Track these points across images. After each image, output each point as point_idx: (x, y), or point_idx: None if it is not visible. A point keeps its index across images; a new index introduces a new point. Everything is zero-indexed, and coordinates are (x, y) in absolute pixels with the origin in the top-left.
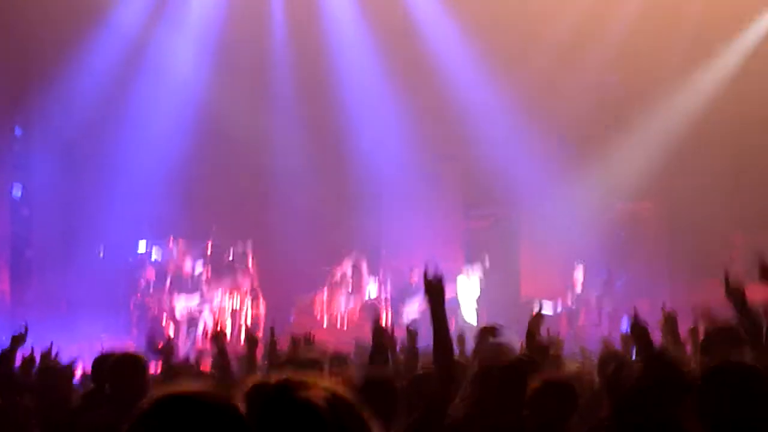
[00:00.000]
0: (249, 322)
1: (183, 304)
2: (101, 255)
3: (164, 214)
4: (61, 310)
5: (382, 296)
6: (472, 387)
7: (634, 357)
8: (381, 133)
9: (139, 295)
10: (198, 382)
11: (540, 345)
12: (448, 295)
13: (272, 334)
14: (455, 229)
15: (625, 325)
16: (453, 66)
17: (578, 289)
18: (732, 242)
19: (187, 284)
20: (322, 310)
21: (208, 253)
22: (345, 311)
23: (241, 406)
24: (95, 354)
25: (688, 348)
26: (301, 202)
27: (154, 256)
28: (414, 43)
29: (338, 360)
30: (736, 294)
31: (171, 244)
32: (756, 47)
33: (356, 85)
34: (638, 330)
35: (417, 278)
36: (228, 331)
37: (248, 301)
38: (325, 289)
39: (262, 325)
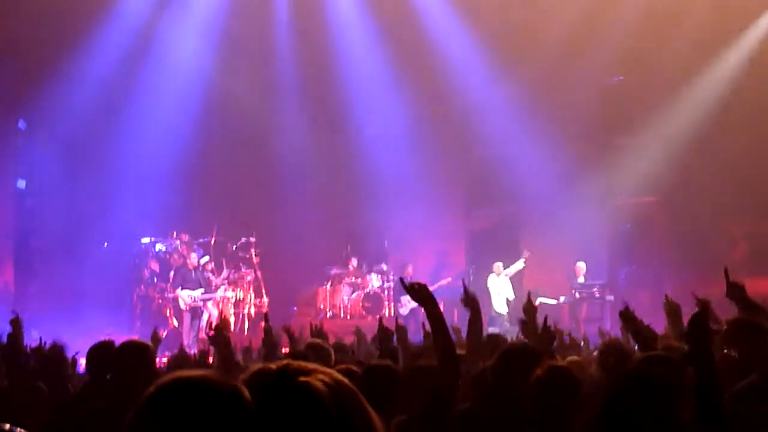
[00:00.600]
0: (252, 314)
1: (186, 296)
2: (106, 246)
3: (168, 207)
4: (65, 301)
5: (384, 288)
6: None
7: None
8: (385, 131)
9: (142, 287)
10: (198, 370)
11: (537, 332)
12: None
13: (267, 320)
14: (458, 226)
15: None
16: (458, 64)
17: (580, 280)
18: (734, 235)
19: (190, 276)
20: (324, 302)
21: (212, 246)
22: (348, 303)
23: (245, 391)
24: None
25: None
26: (305, 196)
27: (157, 248)
28: (419, 40)
29: (340, 349)
30: (736, 291)
31: (175, 236)
32: (760, 46)
33: (361, 82)
34: (626, 316)
35: (411, 273)
36: (231, 323)
37: (251, 293)
38: (328, 281)
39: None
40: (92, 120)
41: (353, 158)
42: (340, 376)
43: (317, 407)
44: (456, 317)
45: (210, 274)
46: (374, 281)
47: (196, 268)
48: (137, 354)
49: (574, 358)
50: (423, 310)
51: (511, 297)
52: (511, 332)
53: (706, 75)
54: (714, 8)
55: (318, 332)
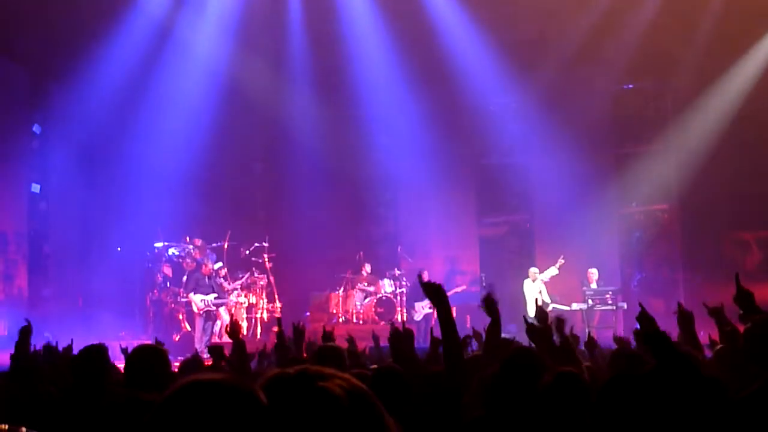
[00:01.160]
0: (265, 319)
1: (199, 300)
2: (119, 251)
3: (182, 211)
4: (78, 305)
5: (397, 294)
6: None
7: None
8: (399, 137)
9: (155, 291)
10: (214, 373)
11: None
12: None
13: (280, 325)
14: (470, 233)
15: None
16: (471, 71)
17: (593, 286)
18: (748, 242)
19: (204, 281)
20: (337, 307)
21: (225, 250)
22: (361, 308)
23: (262, 395)
24: (112, 349)
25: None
26: (318, 201)
27: (170, 253)
28: (433, 48)
29: (353, 354)
30: (745, 297)
31: (188, 241)
32: None
33: (375, 89)
34: (645, 320)
35: (426, 278)
36: (244, 327)
37: (264, 298)
38: (341, 287)
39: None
40: (106, 124)
41: (366, 165)
42: (357, 381)
43: (335, 412)
44: (468, 323)
45: (223, 280)
46: (387, 287)
47: (210, 274)
48: (151, 358)
49: (586, 364)
50: (435, 312)
51: (548, 301)
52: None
53: (720, 83)
54: (729, 16)
55: (328, 337)
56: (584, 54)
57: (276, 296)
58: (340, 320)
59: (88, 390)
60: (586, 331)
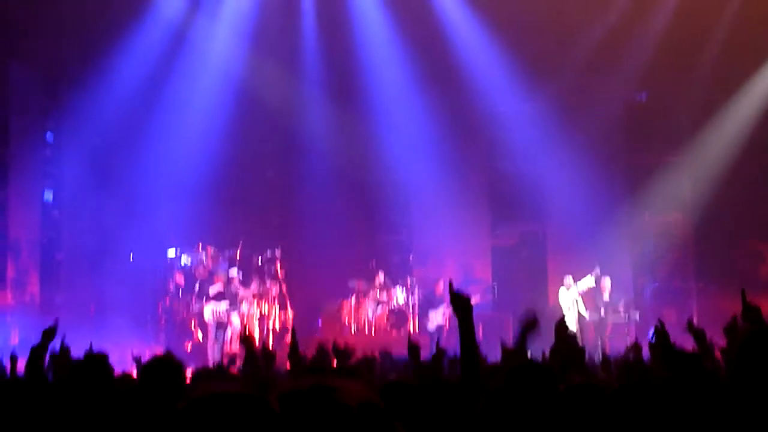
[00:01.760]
0: (277, 328)
1: (211, 309)
2: (131, 259)
3: (194, 220)
4: (90, 313)
5: (410, 303)
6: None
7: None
8: (412, 145)
9: (167, 299)
10: (228, 384)
11: (568, 348)
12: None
13: (294, 335)
14: (483, 242)
15: (652, 335)
16: (485, 80)
17: (605, 297)
18: (761, 252)
19: (216, 289)
20: (349, 316)
21: (237, 259)
22: (373, 317)
23: (276, 407)
24: (124, 357)
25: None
26: (330, 210)
27: (183, 262)
28: (445, 55)
29: (366, 365)
30: (753, 314)
31: (200, 249)
32: None
33: (389, 97)
34: (662, 337)
35: (441, 288)
36: (256, 336)
37: (276, 307)
38: (353, 296)
39: (290, 329)
40: (119, 132)
41: (379, 172)
42: (371, 394)
43: (349, 424)
44: (481, 333)
45: (235, 288)
46: (399, 296)
47: (221, 282)
48: (170, 368)
49: (600, 375)
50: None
51: (584, 312)
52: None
53: (734, 93)
54: (744, 27)
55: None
56: (598, 63)
57: (288, 305)
58: (352, 330)
59: (91, 397)
60: (599, 341)
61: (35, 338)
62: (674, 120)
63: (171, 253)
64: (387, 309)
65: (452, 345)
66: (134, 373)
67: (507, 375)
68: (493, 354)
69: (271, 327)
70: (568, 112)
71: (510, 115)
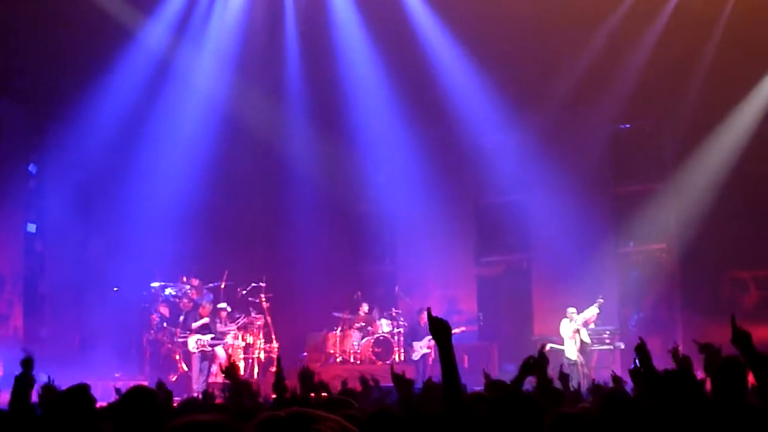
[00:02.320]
0: (262, 359)
1: (196, 340)
2: (115, 291)
3: (179, 252)
4: (74, 345)
5: (395, 334)
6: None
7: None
8: (396, 176)
9: (152, 331)
10: (211, 414)
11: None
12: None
13: (279, 365)
14: (468, 273)
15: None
16: (469, 111)
17: (591, 326)
18: (745, 282)
19: (200, 321)
20: (334, 347)
21: (222, 290)
22: (358, 348)
23: None
24: (108, 390)
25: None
26: (315, 241)
27: (167, 293)
28: (430, 85)
29: (348, 395)
30: (742, 339)
31: (185, 281)
32: None
33: (372, 128)
34: (642, 352)
35: (425, 319)
36: (241, 368)
37: (261, 338)
38: (338, 326)
39: (275, 360)
40: (103, 164)
41: (364, 203)
42: (348, 424)
43: None
44: (466, 363)
45: (219, 321)
46: (384, 326)
47: (207, 315)
48: (145, 398)
49: (585, 405)
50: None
51: (587, 341)
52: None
53: (718, 123)
54: (727, 56)
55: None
56: (582, 93)
57: (273, 336)
58: (338, 360)
59: (73, 427)
60: (583, 371)
61: (19, 371)
62: (658, 149)
63: (155, 284)
64: (372, 339)
65: (437, 374)
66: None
67: (491, 405)
68: (479, 383)
69: (255, 358)
70: (552, 142)
71: (495, 145)
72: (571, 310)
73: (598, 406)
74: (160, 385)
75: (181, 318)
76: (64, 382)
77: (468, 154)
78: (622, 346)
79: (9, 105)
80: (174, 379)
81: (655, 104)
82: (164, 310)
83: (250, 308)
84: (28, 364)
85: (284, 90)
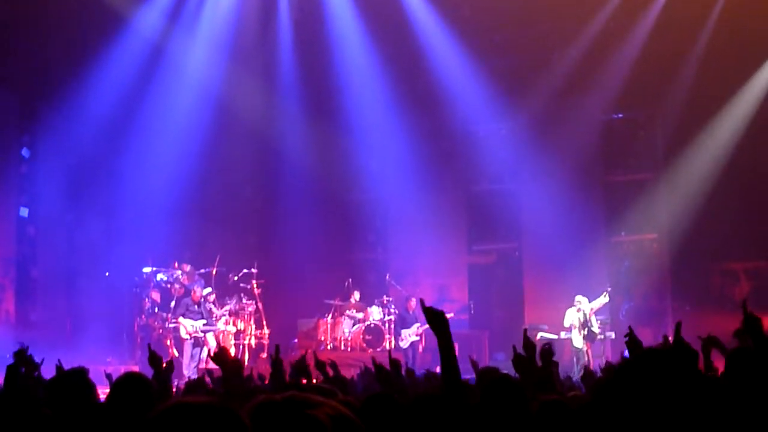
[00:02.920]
0: (253, 345)
1: (188, 326)
2: (107, 276)
3: (171, 237)
4: (66, 330)
5: (386, 321)
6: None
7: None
8: (389, 164)
9: (143, 316)
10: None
11: (535, 368)
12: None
13: (278, 352)
14: (459, 261)
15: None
16: (462, 99)
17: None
18: (736, 272)
19: (192, 307)
20: (325, 334)
21: (214, 276)
22: (349, 335)
23: (248, 420)
24: (99, 375)
25: None
26: (307, 228)
27: (159, 278)
28: (423, 73)
29: (341, 382)
30: (754, 324)
31: (176, 266)
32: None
33: (364, 116)
34: (632, 343)
35: (413, 306)
36: (232, 353)
37: (252, 325)
38: (329, 313)
39: (266, 347)
40: (96, 149)
41: (357, 191)
42: (344, 409)
43: None
44: (457, 351)
45: (212, 305)
46: (375, 314)
47: (199, 300)
48: (137, 383)
49: (575, 393)
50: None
51: (596, 331)
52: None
53: (710, 114)
54: (720, 48)
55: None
56: (575, 83)
57: (264, 323)
58: (328, 347)
59: (70, 413)
60: (574, 360)
61: (11, 355)
62: (650, 139)
63: (147, 270)
64: (363, 327)
65: (427, 362)
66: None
67: (482, 391)
68: (469, 371)
69: (246, 344)
70: (545, 131)
71: (487, 134)
72: (579, 298)
73: (588, 394)
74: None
75: (173, 304)
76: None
77: (460, 143)
78: (613, 336)
79: (2, 89)
80: (165, 364)
81: (648, 95)
82: (156, 296)
83: (242, 294)
84: (21, 355)
85: (277, 77)
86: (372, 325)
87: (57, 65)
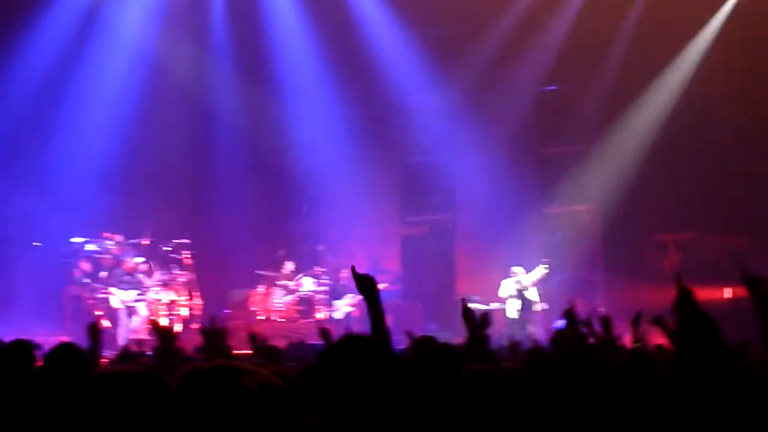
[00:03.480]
0: (186, 315)
1: (120, 297)
2: (36, 246)
3: (102, 207)
4: None
5: (317, 291)
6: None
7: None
8: (322, 135)
9: (73, 287)
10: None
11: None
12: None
13: (213, 322)
14: (392, 232)
15: (558, 324)
16: (394, 70)
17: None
18: (667, 244)
19: (123, 277)
20: (257, 305)
21: (145, 246)
22: (281, 305)
23: (175, 388)
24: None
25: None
26: (239, 199)
27: (89, 249)
28: (355, 45)
29: (272, 352)
30: (688, 298)
31: (107, 237)
32: (702, 59)
33: (298, 86)
34: (570, 317)
35: (346, 277)
36: (164, 323)
37: (184, 295)
38: (261, 284)
39: (198, 317)
40: (26, 118)
41: (290, 162)
42: (275, 379)
43: (248, 407)
44: (390, 322)
45: (142, 276)
46: (308, 285)
47: (130, 270)
48: (70, 354)
49: (507, 364)
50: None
51: (536, 300)
52: (523, 337)
53: (642, 86)
54: (651, 21)
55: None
56: (508, 54)
57: (196, 293)
58: (260, 318)
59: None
60: (505, 331)
61: None
62: (583, 112)
63: (77, 240)
64: (295, 298)
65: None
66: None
67: (414, 360)
68: (403, 342)
69: (178, 315)
70: (478, 102)
71: (421, 105)
72: (516, 269)
73: (520, 364)
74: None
75: (103, 274)
76: None
77: (394, 114)
78: (546, 306)
79: None
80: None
81: (580, 67)
82: (86, 266)
83: (174, 265)
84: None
85: (211, 43)
86: (304, 296)
87: None
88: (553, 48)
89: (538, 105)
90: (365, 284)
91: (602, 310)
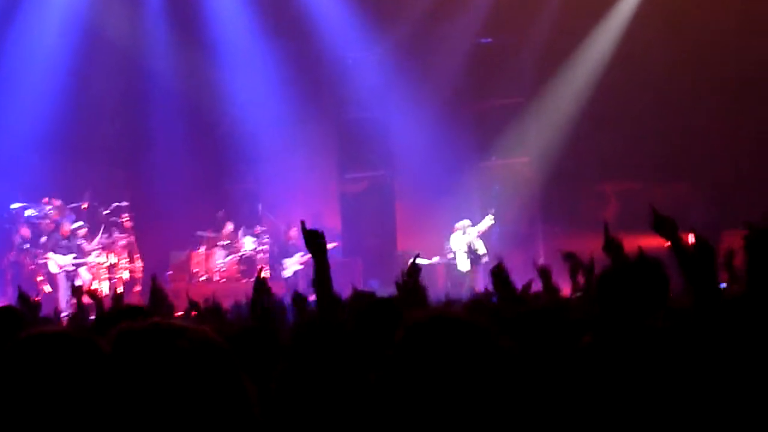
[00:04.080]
0: (127, 278)
1: (59, 261)
2: None
3: (39, 172)
4: None
5: (259, 250)
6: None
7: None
8: (257, 93)
9: (13, 253)
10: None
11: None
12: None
13: (155, 281)
14: (331, 189)
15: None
16: (328, 24)
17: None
18: (606, 194)
19: (62, 242)
20: (198, 266)
21: (84, 210)
22: (222, 266)
23: (106, 348)
24: None
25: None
26: (177, 160)
27: (28, 214)
28: (289, 1)
29: (213, 312)
30: (614, 247)
31: (46, 201)
32: (639, 9)
33: (233, 44)
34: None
35: (295, 235)
36: (106, 287)
37: (125, 258)
38: (202, 245)
39: (139, 280)
40: None
41: (227, 122)
42: (212, 336)
43: (181, 366)
44: (333, 278)
45: (82, 240)
46: (248, 244)
47: (68, 234)
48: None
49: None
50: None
51: (484, 251)
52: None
53: (580, 37)
54: None
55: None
56: (442, 7)
57: (137, 256)
58: (202, 279)
59: None
60: (448, 285)
61: None
62: (520, 64)
63: (15, 205)
64: (236, 258)
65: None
66: None
67: (357, 313)
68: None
69: (119, 278)
70: (414, 57)
71: (356, 61)
72: (464, 222)
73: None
74: (24, 299)
75: (43, 239)
76: None
77: (329, 70)
78: (487, 260)
79: None
80: (38, 299)
81: (516, 20)
82: (25, 232)
83: (113, 228)
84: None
85: (145, 4)
86: (245, 256)
87: None
88: (488, 0)
89: (474, 58)
90: (312, 240)
91: (541, 261)
